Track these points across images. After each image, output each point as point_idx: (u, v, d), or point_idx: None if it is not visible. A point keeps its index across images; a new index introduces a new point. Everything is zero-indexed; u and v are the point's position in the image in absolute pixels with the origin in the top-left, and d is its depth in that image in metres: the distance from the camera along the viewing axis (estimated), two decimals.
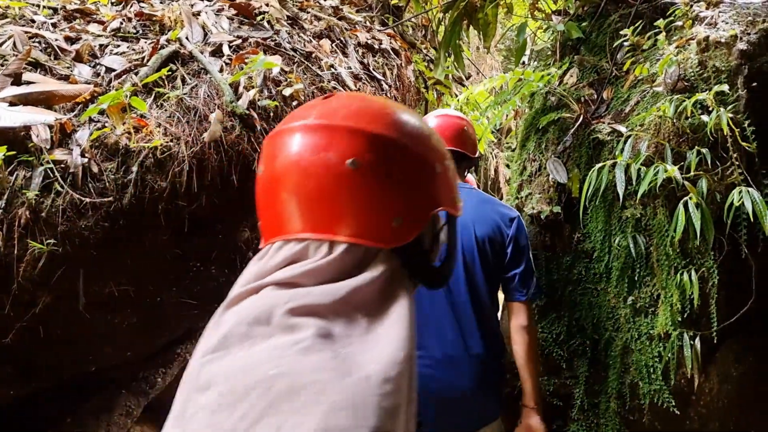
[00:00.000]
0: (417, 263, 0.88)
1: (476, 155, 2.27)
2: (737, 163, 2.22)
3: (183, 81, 2.26)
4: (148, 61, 2.28)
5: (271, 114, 2.23)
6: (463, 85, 4.80)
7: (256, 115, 2.13)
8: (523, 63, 3.53)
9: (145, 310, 2.12)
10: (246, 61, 2.35)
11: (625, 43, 2.63)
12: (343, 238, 0.80)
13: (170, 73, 2.25)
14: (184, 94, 2.18)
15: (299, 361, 0.66)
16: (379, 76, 2.86)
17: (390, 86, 2.85)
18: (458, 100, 5.36)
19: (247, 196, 2.17)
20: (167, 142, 2.02)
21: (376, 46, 3.04)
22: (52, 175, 1.88)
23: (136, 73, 2.22)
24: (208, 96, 2.21)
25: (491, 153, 13.53)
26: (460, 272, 2.04)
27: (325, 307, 0.74)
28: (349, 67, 2.70)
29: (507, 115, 3.54)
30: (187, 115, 2.13)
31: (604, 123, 2.55)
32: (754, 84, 2.31)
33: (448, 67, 3.91)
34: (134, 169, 1.97)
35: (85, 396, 2.37)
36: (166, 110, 2.14)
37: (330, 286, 0.76)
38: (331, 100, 0.87)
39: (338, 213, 0.80)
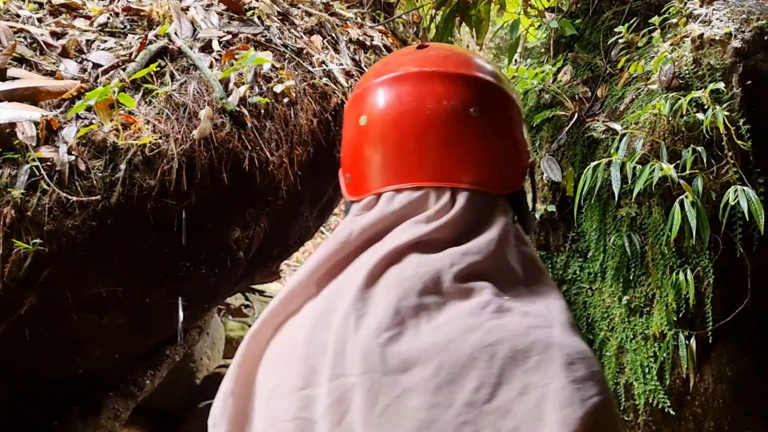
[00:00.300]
0: (523, 211, 0.89)
1: None
2: (732, 161, 2.20)
3: (172, 77, 2.22)
4: (136, 56, 2.23)
5: (262, 111, 2.19)
6: None
7: (246, 112, 2.10)
8: (515, 60, 3.51)
9: (134, 310, 2.08)
10: (236, 57, 2.31)
11: (620, 41, 2.61)
12: (466, 185, 0.79)
13: (159, 69, 2.21)
14: (173, 90, 2.14)
15: (502, 324, 0.65)
16: None
17: None
18: None
19: (237, 195, 2.14)
20: (156, 140, 1.98)
21: (368, 43, 3.00)
22: (38, 173, 1.84)
23: (124, 69, 2.18)
24: (197, 92, 2.17)
25: None
26: None
27: (486, 266, 0.73)
28: (341, 64, 2.67)
29: None
30: (177, 112, 2.09)
31: (598, 121, 2.53)
32: (749, 82, 2.30)
33: None
34: (122, 167, 1.93)
35: (71, 399, 2.32)
36: (154, 107, 2.10)
37: (479, 243, 0.75)
38: (429, 50, 0.87)
39: (461, 161, 0.80)
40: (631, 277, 2.33)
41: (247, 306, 5.72)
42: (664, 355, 2.20)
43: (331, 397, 0.66)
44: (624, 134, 2.34)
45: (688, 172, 2.18)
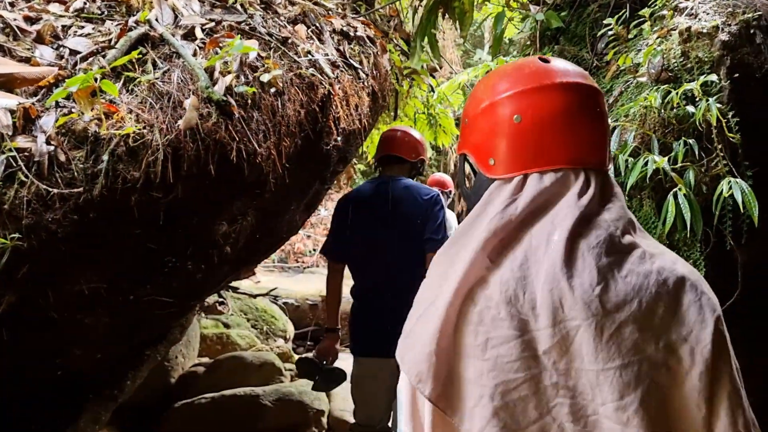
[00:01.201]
0: None
1: (415, 158, 3.18)
2: (722, 154, 2.21)
3: (154, 65, 2.12)
4: (115, 43, 2.13)
5: (249, 101, 2.12)
6: (433, 77, 4.75)
7: (233, 102, 2.02)
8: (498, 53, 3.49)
9: (119, 309, 1.99)
10: (221, 45, 2.22)
11: (609, 32, 2.60)
12: (595, 166, 1.05)
13: (140, 56, 2.11)
14: (157, 78, 2.05)
15: (661, 266, 0.96)
16: (356, 65, 2.77)
17: (367, 75, 2.77)
18: (427, 91, 5.29)
19: (224, 187, 2.07)
20: (140, 130, 1.89)
21: (352, 34, 2.94)
22: (15, 164, 1.73)
23: (104, 56, 2.08)
24: (181, 81, 2.08)
25: (451, 147, 13.54)
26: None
27: (628, 225, 1.01)
28: (326, 54, 2.61)
29: None
30: (160, 101, 2.00)
31: None
32: (737, 75, 2.31)
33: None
34: (105, 158, 1.83)
35: (50, 402, 2.21)
36: (137, 96, 2.00)
37: (618, 210, 1.02)
38: (558, 62, 1.11)
39: (590, 146, 1.05)
40: None
41: (221, 303, 5.61)
42: None
43: (556, 336, 0.93)
44: (615, 127, 2.33)
45: (679, 164, 2.18)
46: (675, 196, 2.07)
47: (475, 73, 3.64)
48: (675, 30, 2.41)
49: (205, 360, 4.82)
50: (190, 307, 2.76)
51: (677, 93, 2.24)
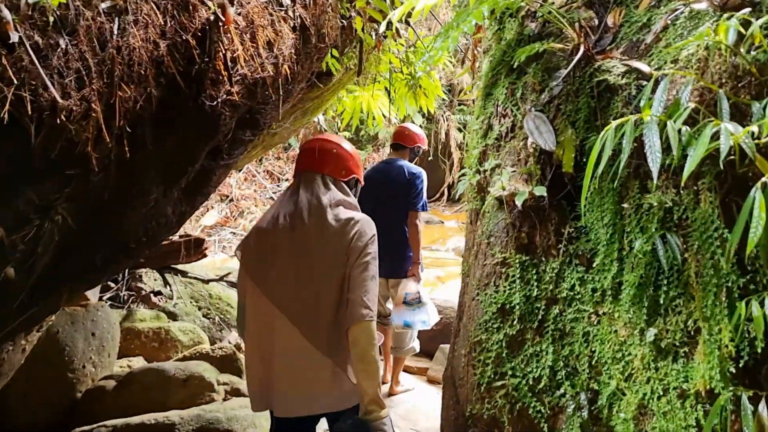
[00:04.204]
0: None
1: (413, 145, 4.28)
2: None
3: None
4: None
5: (52, 19, 1.26)
6: (408, 24, 3.87)
7: (10, 17, 1.16)
8: None
9: None
10: None
11: None
12: None
13: None
14: None
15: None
16: None
17: (293, 0, 1.89)
18: (406, 46, 4.42)
19: None
20: None
21: None
22: None
23: None
24: None
25: (442, 115, 12.62)
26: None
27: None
28: None
29: (463, 63, 2.62)
30: None
31: (614, 59, 1.66)
32: None
33: None
34: None
35: None
36: None
37: None
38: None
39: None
40: (661, 300, 1.50)
41: (157, 293, 4.78)
42: (715, 424, 1.38)
43: None
44: (660, 78, 1.47)
45: (764, 139, 1.34)
46: (765, 188, 1.23)
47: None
48: None
49: (133, 362, 4.01)
50: None
51: (758, 25, 1.39)
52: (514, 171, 1.79)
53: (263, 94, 1.76)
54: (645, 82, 1.56)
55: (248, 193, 11.97)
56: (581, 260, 1.68)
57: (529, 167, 1.77)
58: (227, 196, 11.81)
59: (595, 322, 1.65)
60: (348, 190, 2.02)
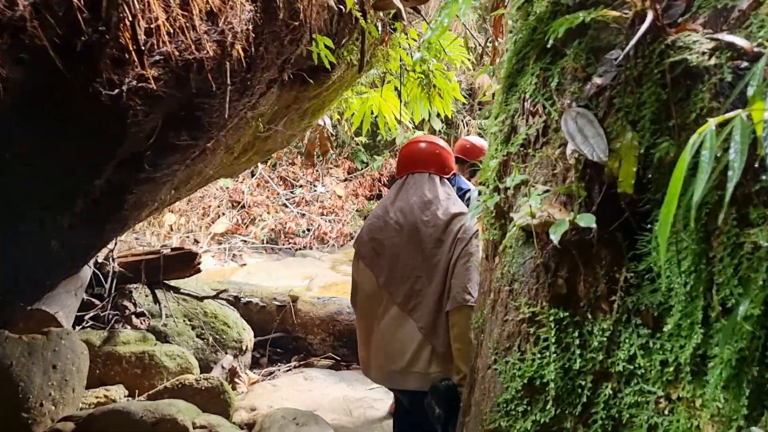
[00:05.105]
0: None
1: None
2: None
3: None
4: None
5: None
6: (419, 13, 3.41)
7: None
8: None
9: None
10: None
11: None
12: None
13: None
14: None
15: None
16: None
17: None
18: (415, 40, 3.94)
19: None
20: None
21: None
22: None
23: None
24: None
25: (462, 120, 12.10)
26: None
27: None
28: None
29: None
30: None
31: (694, 33, 1.15)
32: None
33: None
34: None
35: None
36: None
37: None
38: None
39: None
40: None
41: (139, 315, 4.33)
42: None
43: None
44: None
45: None
46: None
47: None
48: None
49: (102, 395, 3.56)
50: None
51: None
52: (548, 190, 1.29)
53: (201, 82, 1.28)
54: (745, 63, 1.05)
55: (260, 200, 11.54)
56: (645, 320, 1.17)
57: (570, 185, 1.26)
58: (239, 203, 11.41)
59: (665, 411, 1.13)
60: (450, 186, 2.48)
